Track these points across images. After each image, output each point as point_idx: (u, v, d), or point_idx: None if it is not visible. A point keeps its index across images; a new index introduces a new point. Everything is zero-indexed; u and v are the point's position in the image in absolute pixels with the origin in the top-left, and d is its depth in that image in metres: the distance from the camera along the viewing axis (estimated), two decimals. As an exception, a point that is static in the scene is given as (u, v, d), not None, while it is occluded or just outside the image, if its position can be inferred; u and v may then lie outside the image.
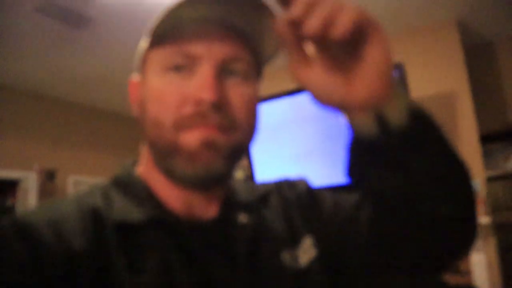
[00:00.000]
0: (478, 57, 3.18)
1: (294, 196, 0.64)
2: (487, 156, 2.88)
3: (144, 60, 0.53)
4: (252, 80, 0.53)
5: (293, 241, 0.59)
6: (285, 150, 2.73)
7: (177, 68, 0.49)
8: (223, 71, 0.49)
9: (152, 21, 0.48)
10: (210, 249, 0.52)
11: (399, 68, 2.41)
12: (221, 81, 0.49)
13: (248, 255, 0.53)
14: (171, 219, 0.51)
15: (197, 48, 0.48)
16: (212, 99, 0.46)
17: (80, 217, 0.47)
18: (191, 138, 0.47)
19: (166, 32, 0.49)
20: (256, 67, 0.55)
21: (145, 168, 0.56)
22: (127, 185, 0.54)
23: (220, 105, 0.47)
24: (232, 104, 0.49)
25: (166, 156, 0.50)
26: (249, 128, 0.53)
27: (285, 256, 0.56)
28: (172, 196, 0.53)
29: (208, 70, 0.48)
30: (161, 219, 0.50)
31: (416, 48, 2.89)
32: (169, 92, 0.49)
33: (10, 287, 0.39)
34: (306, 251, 0.58)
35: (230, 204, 0.58)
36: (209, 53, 0.48)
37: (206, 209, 0.55)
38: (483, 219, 2.47)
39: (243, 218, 0.56)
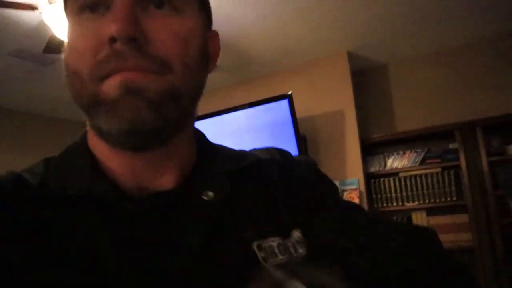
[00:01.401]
0: (370, 78, 3.98)
1: (297, 181, 0.54)
2: (376, 159, 3.69)
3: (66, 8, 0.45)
4: (185, 12, 0.43)
5: (274, 233, 0.47)
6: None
7: (91, 8, 0.41)
8: (144, 3, 0.41)
9: None
10: (154, 230, 0.42)
11: (288, 97, 3.22)
12: (142, 15, 0.40)
13: (203, 245, 0.42)
14: (108, 193, 0.43)
15: None
16: (124, 33, 0.37)
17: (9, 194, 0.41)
18: (109, 86, 0.39)
19: None
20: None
21: (90, 136, 0.48)
22: (71, 158, 0.47)
23: (139, 41, 0.39)
24: (158, 39, 0.40)
25: (89, 111, 0.42)
26: (185, 69, 0.42)
27: (261, 247, 0.45)
28: (116, 165, 0.45)
29: (121, 2, 0.39)
30: (95, 193, 0.42)
31: (314, 75, 3.69)
32: (83, 37, 0.41)
33: None
34: (293, 247, 0.46)
35: (195, 175, 0.48)
36: None
37: (158, 179, 0.46)
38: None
39: (210, 193, 0.46)
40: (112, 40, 0.38)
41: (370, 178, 3.59)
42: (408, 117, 3.73)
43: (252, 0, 2.63)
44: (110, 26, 0.38)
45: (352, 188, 3.42)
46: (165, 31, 0.41)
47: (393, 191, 3.53)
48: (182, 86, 0.42)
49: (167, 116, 0.41)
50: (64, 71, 0.43)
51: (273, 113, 3.28)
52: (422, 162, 3.45)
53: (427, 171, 3.40)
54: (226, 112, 3.53)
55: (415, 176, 3.45)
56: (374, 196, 3.58)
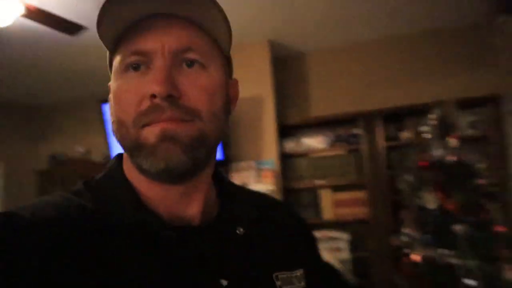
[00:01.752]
0: (290, 66, 4.24)
1: (296, 226, 0.68)
2: (291, 141, 4.00)
3: (110, 66, 0.55)
4: (210, 68, 0.52)
5: (288, 266, 0.59)
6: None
7: (134, 67, 0.50)
8: (178, 62, 0.50)
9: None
10: (198, 259, 0.52)
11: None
12: (177, 73, 0.49)
13: (239, 269, 0.54)
14: (156, 222, 0.51)
15: (148, 45, 0.49)
16: (164, 93, 0.46)
17: (62, 223, 0.48)
18: (150, 133, 0.48)
19: (120, 35, 0.51)
20: (217, 55, 0.55)
21: (127, 168, 0.56)
22: (113, 185, 0.55)
23: (174, 97, 0.47)
24: (190, 94, 0.49)
25: (132, 153, 0.51)
26: (212, 117, 0.51)
27: (278, 278, 0.57)
28: (151, 194, 0.54)
29: (160, 64, 0.48)
30: (148, 222, 0.51)
31: (235, 61, 3.82)
32: (127, 92, 0.50)
33: None
34: (298, 280, 0.59)
35: (228, 212, 0.59)
36: (160, 47, 0.49)
37: (186, 207, 0.55)
38: (276, 186, 3.58)
39: (241, 229, 0.57)
40: (153, 96, 0.47)
41: (284, 158, 3.91)
42: (322, 103, 4.07)
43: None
44: (152, 86, 0.47)
45: (268, 167, 3.69)
46: (195, 87, 0.50)
47: (304, 170, 3.88)
48: (209, 131, 0.51)
49: (196, 157, 0.50)
50: (113, 121, 0.53)
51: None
52: (331, 144, 3.83)
53: (335, 153, 3.79)
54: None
55: (324, 157, 3.83)
56: (288, 174, 3.91)
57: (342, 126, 3.88)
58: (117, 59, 0.52)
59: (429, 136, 2.35)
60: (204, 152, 0.52)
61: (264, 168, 3.70)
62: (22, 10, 2.22)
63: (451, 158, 2.25)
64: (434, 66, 3.69)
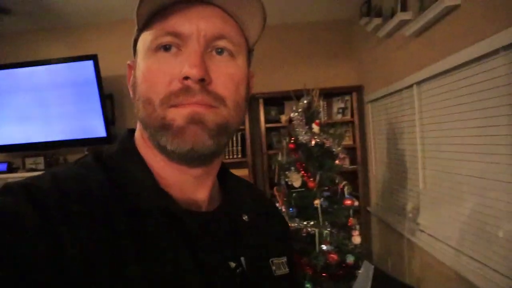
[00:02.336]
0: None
1: (278, 217, 0.75)
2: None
3: (136, 44, 0.55)
4: (239, 58, 0.54)
5: (278, 254, 0.65)
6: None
7: (166, 48, 0.50)
8: (209, 49, 0.51)
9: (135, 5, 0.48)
10: (215, 237, 0.56)
11: (94, 57, 3.25)
12: (207, 59, 0.50)
13: (247, 252, 0.58)
14: (177, 207, 0.52)
15: (185, 27, 0.49)
16: (198, 75, 0.47)
17: (90, 198, 0.47)
18: (177, 114, 0.49)
19: (153, 14, 0.50)
20: (244, 46, 0.56)
21: (143, 146, 0.57)
22: (128, 163, 0.55)
23: (205, 82, 0.49)
24: (218, 80, 0.50)
25: (157, 132, 0.51)
26: (235, 106, 0.53)
27: (273, 263, 0.63)
28: (168, 176, 0.55)
29: (195, 48, 0.49)
30: (168, 207, 0.52)
31: (125, 36, 3.77)
32: (158, 71, 0.50)
33: (25, 270, 0.38)
34: (283, 266, 0.64)
35: (233, 199, 0.63)
36: (196, 31, 0.50)
37: (197, 191, 0.58)
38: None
39: (245, 216, 0.62)
40: (185, 78, 0.48)
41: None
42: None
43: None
44: (186, 68, 0.48)
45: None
46: (223, 74, 0.51)
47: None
48: (232, 119, 0.53)
49: (220, 143, 0.52)
50: (136, 96, 0.53)
51: (77, 72, 3.27)
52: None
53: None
54: (24, 66, 3.34)
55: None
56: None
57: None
58: (147, 38, 0.52)
59: (297, 121, 2.66)
60: (226, 139, 0.54)
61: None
62: None
63: (313, 141, 2.58)
64: (309, 55, 4.07)
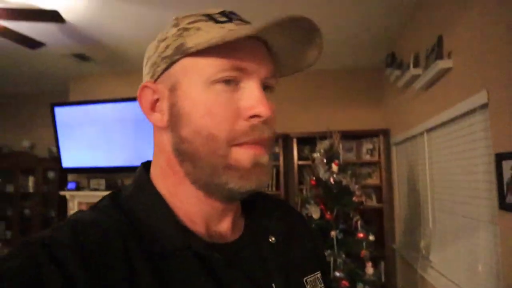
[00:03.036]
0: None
1: (308, 230, 0.71)
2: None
3: (175, 68, 0.51)
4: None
5: (312, 271, 0.63)
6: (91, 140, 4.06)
7: (226, 82, 0.49)
8: (264, 87, 0.52)
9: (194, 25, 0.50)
10: (242, 268, 0.53)
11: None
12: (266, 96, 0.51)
13: (279, 276, 0.56)
14: (200, 245, 0.50)
15: (250, 64, 0.50)
16: (268, 114, 0.49)
17: (110, 245, 0.45)
18: (242, 156, 0.49)
19: (214, 45, 0.47)
20: None
21: (166, 183, 0.54)
22: (146, 203, 0.53)
23: (268, 120, 0.50)
24: (272, 117, 0.52)
25: (218, 171, 0.49)
26: (274, 137, 0.55)
27: (307, 282, 0.60)
28: (193, 211, 0.53)
29: (259, 86, 0.50)
30: (191, 245, 0.49)
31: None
32: (221, 107, 0.49)
33: None
34: (319, 281, 0.63)
35: (257, 221, 0.61)
36: (258, 69, 0.50)
37: (221, 221, 0.56)
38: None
39: (272, 238, 0.59)
40: (253, 116, 0.49)
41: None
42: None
43: (129, 11, 3.21)
44: (256, 107, 0.48)
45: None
46: (273, 111, 0.52)
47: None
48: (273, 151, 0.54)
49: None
50: (187, 129, 0.50)
51: (137, 109, 3.88)
52: (254, 159, 4.45)
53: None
54: (96, 103, 4.06)
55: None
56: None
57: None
58: (205, 68, 0.49)
59: (319, 160, 3.03)
60: None
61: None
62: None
63: (332, 179, 2.94)
64: (341, 99, 4.46)
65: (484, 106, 1.94)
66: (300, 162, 4.26)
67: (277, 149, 4.40)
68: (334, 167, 2.96)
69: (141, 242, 0.48)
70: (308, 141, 4.33)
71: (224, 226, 0.57)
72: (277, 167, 4.32)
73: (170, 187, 0.54)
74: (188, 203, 0.53)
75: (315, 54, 0.55)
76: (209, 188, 0.52)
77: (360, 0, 2.87)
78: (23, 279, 0.40)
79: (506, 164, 1.71)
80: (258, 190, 0.52)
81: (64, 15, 2.91)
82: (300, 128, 4.35)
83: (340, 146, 3.05)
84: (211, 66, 0.49)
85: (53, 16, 2.66)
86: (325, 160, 3.00)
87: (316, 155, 3.05)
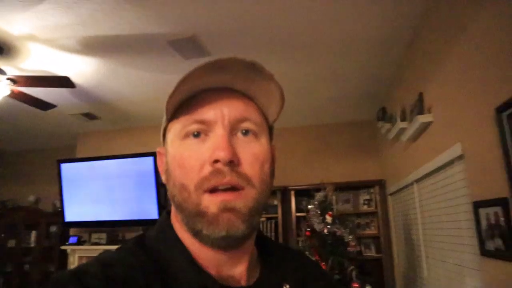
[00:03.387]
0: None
1: (328, 283, 0.71)
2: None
3: (165, 133, 0.59)
4: (262, 137, 0.56)
5: None
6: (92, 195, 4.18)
7: (194, 135, 0.53)
8: (234, 131, 0.53)
9: (166, 99, 0.51)
10: None
11: (154, 154, 4.05)
12: (234, 141, 0.52)
13: None
14: (215, 286, 0.52)
15: (209, 114, 0.52)
16: (227, 158, 0.49)
17: (135, 281, 0.49)
18: (211, 203, 0.50)
19: (179, 105, 0.54)
20: (265, 125, 0.58)
21: (178, 228, 0.57)
22: (167, 245, 0.56)
23: (233, 163, 0.50)
24: (245, 161, 0.52)
25: (193, 218, 0.52)
26: (261, 183, 0.54)
27: None
28: (203, 257, 0.55)
29: (221, 132, 0.52)
30: (207, 286, 0.52)
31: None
32: (190, 158, 0.52)
33: None
34: None
35: (273, 269, 0.62)
36: (221, 117, 0.52)
37: (234, 267, 0.57)
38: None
39: (287, 286, 0.60)
40: (215, 161, 0.50)
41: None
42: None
43: (131, 74, 3.47)
44: (215, 152, 0.50)
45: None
46: (250, 155, 0.53)
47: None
48: (261, 198, 0.54)
49: (253, 224, 0.53)
50: (171, 182, 0.54)
51: (139, 165, 4.08)
52: (253, 211, 4.54)
53: (256, 219, 4.50)
54: (100, 159, 4.25)
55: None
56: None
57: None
58: (176, 127, 0.55)
59: (313, 212, 3.12)
60: (258, 218, 0.55)
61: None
62: (8, 92, 2.90)
63: (326, 230, 3.01)
64: (337, 152, 4.62)
65: (460, 158, 2.07)
66: (298, 214, 4.34)
67: (275, 201, 4.50)
68: (328, 218, 3.05)
69: (162, 281, 0.51)
70: (306, 194, 4.43)
71: (237, 271, 0.58)
72: (275, 219, 4.39)
73: (181, 235, 0.57)
74: (195, 248, 0.55)
75: (272, 84, 0.55)
76: (195, 235, 0.53)
77: (354, 59, 3.14)
78: None
79: (482, 212, 1.81)
80: (232, 236, 0.51)
81: (74, 78, 3.17)
82: (299, 181, 4.47)
83: (334, 197, 3.16)
84: (179, 124, 0.55)
85: (65, 82, 2.91)
86: (319, 211, 3.09)
87: (310, 206, 3.15)
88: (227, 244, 0.52)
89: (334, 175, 3.26)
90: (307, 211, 3.24)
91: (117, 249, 0.56)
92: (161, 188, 4.15)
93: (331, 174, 3.53)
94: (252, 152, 0.53)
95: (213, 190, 0.51)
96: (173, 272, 0.52)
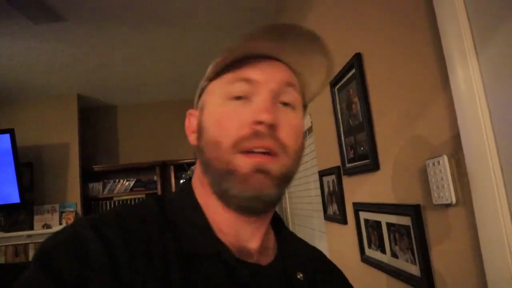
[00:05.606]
0: (100, 117, 4.71)
1: (340, 280, 0.70)
2: (96, 185, 4.40)
3: (204, 93, 0.58)
4: (298, 111, 0.57)
5: None
6: None
7: (237, 98, 0.53)
8: (276, 99, 0.54)
9: (216, 59, 0.53)
10: None
11: (10, 132, 3.60)
12: (275, 109, 0.53)
13: None
14: (230, 255, 0.52)
15: (257, 75, 0.53)
16: (271, 120, 0.50)
17: (149, 234, 0.49)
18: (244, 162, 0.50)
19: (225, 66, 0.54)
20: (301, 100, 0.59)
21: (200, 192, 0.57)
22: (185, 208, 0.56)
23: (273, 128, 0.51)
24: (283, 129, 0.52)
25: (221, 176, 0.51)
26: (295, 154, 0.55)
27: None
28: (223, 222, 0.55)
29: (266, 96, 0.52)
30: (224, 254, 0.52)
31: (44, 111, 4.19)
32: (230, 116, 0.52)
33: None
34: None
35: (288, 255, 0.61)
36: (267, 79, 0.53)
37: (250, 240, 0.57)
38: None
39: (300, 274, 0.59)
40: (257, 123, 0.50)
41: (90, 201, 4.29)
42: (129, 152, 4.64)
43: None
44: (259, 113, 0.50)
45: (70, 210, 4.02)
46: (287, 124, 0.53)
47: (108, 212, 4.32)
48: (293, 167, 0.54)
49: (282, 191, 0.54)
50: (203, 140, 0.54)
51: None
52: (132, 189, 4.38)
53: (135, 196, 4.35)
54: None
55: (126, 200, 4.35)
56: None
57: (144, 173, 4.49)
58: (219, 84, 0.55)
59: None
60: (286, 187, 0.55)
61: (67, 210, 4.02)
62: None
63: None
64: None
65: (310, 129, 2.19)
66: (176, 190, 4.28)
67: (155, 177, 4.38)
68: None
69: (177, 241, 0.51)
70: (186, 168, 4.38)
71: (253, 244, 0.57)
72: (155, 194, 4.27)
73: (203, 198, 0.57)
74: (217, 214, 0.55)
75: (321, 59, 0.56)
76: (221, 196, 0.53)
77: (225, 33, 3.07)
78: (69, 249, 0.44)
79: (325, 180, 1.95)
80: (262, 198, 0.51)
81: None
82: (178, 155, 4.40)
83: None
84: (222, 82, 0.55)
85: None
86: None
87: (182, 181, 3.10)
88: (253, 207, 0.52)
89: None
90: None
91: (135, 204, 0.56)
92: (24, 168, 3.73)
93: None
94: (290, 123, 0.54)
95: (248, 152, 0.50)
96: (188, 234, 0.53)
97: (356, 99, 1.40)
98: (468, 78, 0.78)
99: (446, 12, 0.83)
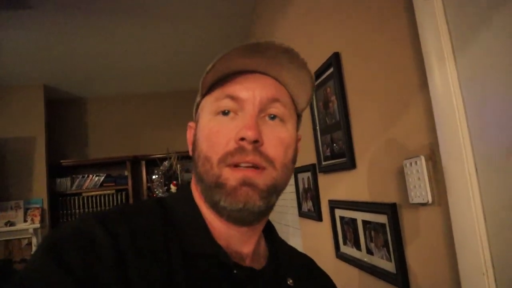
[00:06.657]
0: (69, 109, 4.55)
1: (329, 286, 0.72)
2: (64, 180, 4.27)
3: (199, 108, 0.61)
4: (288, 123, 0.58)
5: None
6: None
7: (224, 113, 0.55)
8: (262, 113, 0.55)
9: (202, 76, 0.54)
10: None
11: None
12: (261, 123, 0.54)
13: None
14: (227, 257, 0.54)
15: (242, 93, 0.54)
16: (253, 137, 0.51)
17: (154, 233, 0.51)
18: (231, 176, 0.52)
19: (214, 83, 0.57)
20: (293, 112, 0.60)
21: (196, 197, 0.59)
22: (186, 210, 0.58)
23: (257, 143, 0.52)
24: (269, 143, 0.54)
25: (212, 189, 0.54)
26: (283, 167, 0.56)
27: None
28: (216, 230, 0.57)
29: (250, 112, 0.54)
30: (221, 256, 0.53)
31: (7, 102, 4.01)
32: (218, 132, 0.54)
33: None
34: None
35: (279, 261, 0.63)
36: (252, 96, 0.54)
37: (243, 245, 0.59)
38: (43, 224, 3.76)
39: (290, 280, 0.61)
40: (241, 139, 0.52)
41: (57, 197, 4.15)
42: (98, 146, 4.51)
43: None
44: (243, 130, 0.52)
45: (36, 206, 3.87)
46: (274, 137, 0.55)
47: (77, 208, 4.20)
48: (281, 179, 0.55)
49: (269, 203, 0.55)
50: (196, 153, 0.57)
51: None
52: (101, 185, 4.27)
53: (104, 192, 4.25)
54: None
55: (95, 196, 4.24)
56: (61, 212, 4.16)
57: (114, 168, 4.39)
58: (209, 100, 0.58)
59: (157, 182, 3.04)
60: (275, 199, 0.56)
61: (32, 207, 3.87)
62: None
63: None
64: (183, 121, 4.55)
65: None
66: (150, 185, 4.21)
67: (126, 172, 4.30)
68: (173, 188, 3.00)
69: (178, 241, 0.53)
70: (157, 164, 4.31)
71: (245, 250, 0.59)
72: (126, 190, 4.21)
73: (199, 204, 0.59)
74: (210, 219, 0.57)
75: (304, 71, 0.56)
76: (213, 207, 0.55)
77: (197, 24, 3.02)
78: (78, 242, 0.45)
79: (300, 177, 1.96)
80: (250, 210, 0.52)
81: None
82: (149, 150, 4.32)
83: (179, 166, 3.11)
84: (212, 98, 0.57)
85: None
86: (162, 181, 3.03)
87: (155, 177, 3.06)
88: (242, 218, 0.54)
89: (180, 144, 3.20)
90: (152, 181, 3.15)
91: (136, 204, 0.59)
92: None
93: (177, 143, 3.47)
94: (277, 136, 0.55)
95: (235, 166, 0.52)
96: (188, 235, 0.54)
97: (333, 98, 1.41)
98: (445, 80, 0.80)
99: (425, 15, 0.84)
